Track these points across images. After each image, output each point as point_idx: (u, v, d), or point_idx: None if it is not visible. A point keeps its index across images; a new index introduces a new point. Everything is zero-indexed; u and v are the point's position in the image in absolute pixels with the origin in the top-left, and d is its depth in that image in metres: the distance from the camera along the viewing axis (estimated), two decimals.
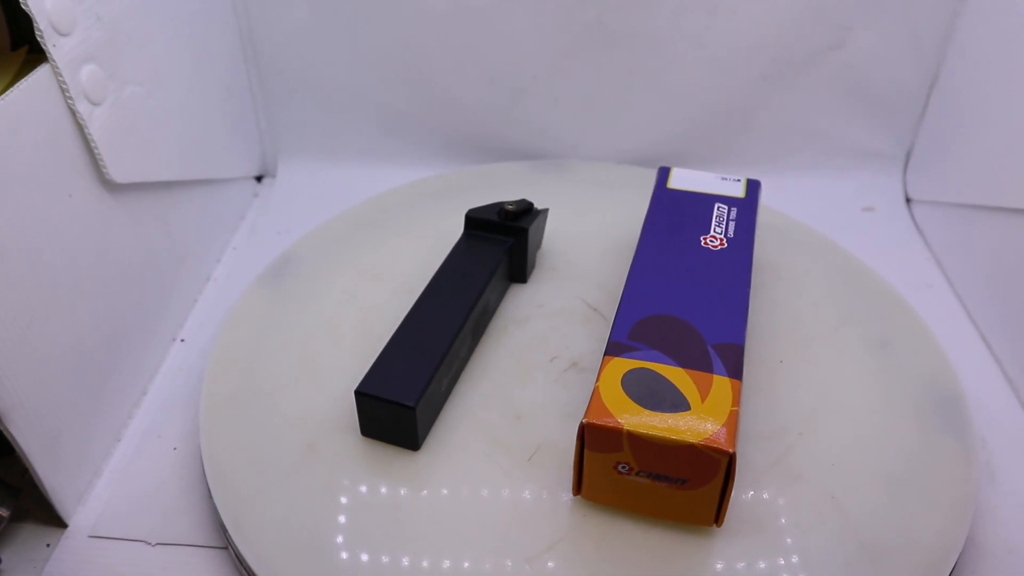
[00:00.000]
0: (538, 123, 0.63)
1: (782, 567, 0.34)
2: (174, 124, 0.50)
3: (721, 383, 0.35)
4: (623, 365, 0.35)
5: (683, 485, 0.34)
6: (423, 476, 0.38)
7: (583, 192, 0.58)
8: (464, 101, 0.63)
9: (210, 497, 0.38)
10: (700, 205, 0.46)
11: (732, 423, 0.33)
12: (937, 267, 0.57)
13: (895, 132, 0.63)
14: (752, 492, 0.37)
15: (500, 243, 0.47)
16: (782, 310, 0.47)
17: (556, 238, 0.52)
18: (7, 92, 0.35)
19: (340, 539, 0.36)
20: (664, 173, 0.49)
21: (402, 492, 0.37)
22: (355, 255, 0.51)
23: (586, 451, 0.34)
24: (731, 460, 0.32)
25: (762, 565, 0.35)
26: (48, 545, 0.39)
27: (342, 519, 0.36)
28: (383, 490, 0.37)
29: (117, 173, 0.43)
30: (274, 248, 0.54)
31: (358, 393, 0.37)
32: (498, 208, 0.47)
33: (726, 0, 0.57)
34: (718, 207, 0.46)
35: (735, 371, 0.35)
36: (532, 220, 0.47)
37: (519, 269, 0.48)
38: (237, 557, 0.36)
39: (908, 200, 0.63)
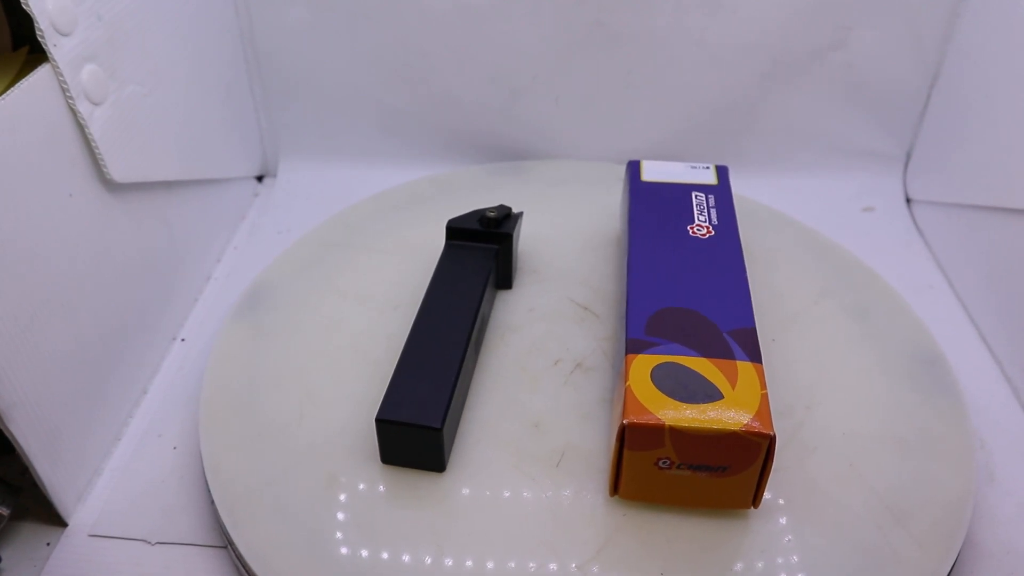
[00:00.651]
0: (538, 123, 0.63)
1: (822, 536, 0.36)
2: (174, 124, 0.50)
3: (745, 368, 0.36)
4: (648, 361, 0.36)
5: (724, 472, 0.34)
6: (454, 495, 0.37)
7: (545, 192, 0.58)
8: (464, 101, 0.63)
9: (210, 496, 0.38)
10: (678, 195, 0.47)
11: (765, 406, 0.34)
12: (937, 268, 0.57)
13: (895, 132, 0.63)
14: (776, 470, 0.38)
15: (485, 251, 0.46)
16: (763, 290, 0.48)
17: (529, 240, 0.52)
18: (8, 92, 0.35)
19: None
20: (635, 166, 0.49)
21: (434, 513, 0.37)
22: (329, 278, 0.50)
23: (626, 451, 0.34)
24: (771, 443, 0.33)
25: (804, 538, 0.36)
26: (48, 544, 0.39)
27: (354, 527, 0.36)
28: (414, 513, 0.36)
29: (117, 173, 0.43)
30: (275, 248, 0.54)
31: (379, 421, 0.36)
32: (479, 216, 0.47)
33: (726, 0, 0.57)
34: (696, 196, 0.47)
35: (755, 355, 0.36)
36: (514, 225, 0.47)
37: (505, 275, 0.48)
38: (236, 556, 0.36)
39: (908, 200, 0.63)
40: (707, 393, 0.34)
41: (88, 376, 0.42)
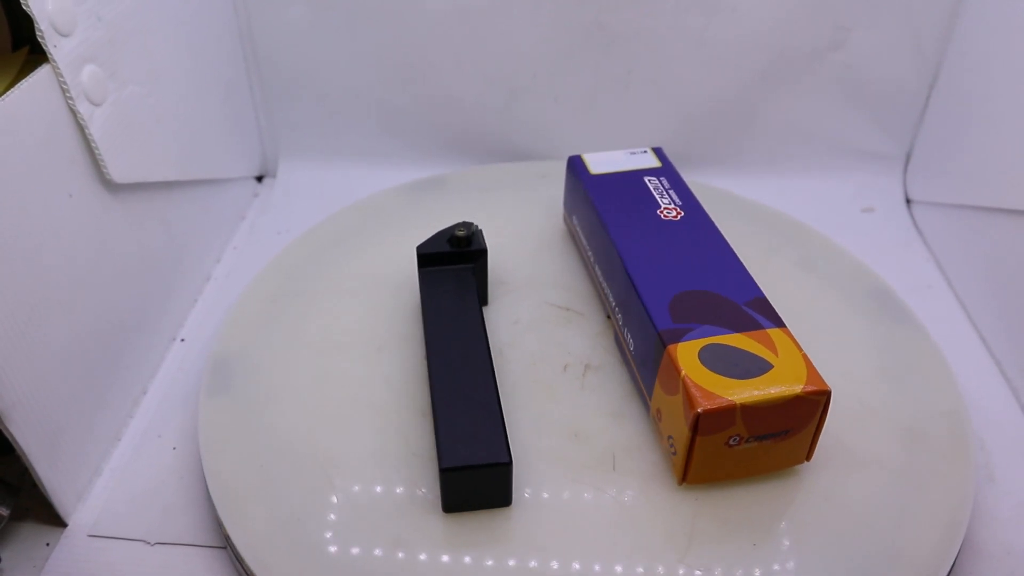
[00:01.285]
0: (537, 123, 0.63)
1: (867, 471, 0.38)
2: (174, 124, 0.50)
3: (777, 335, 0.37)
4: (690, 348, 0.36)
5: (786, 436, 0.36)
6: (528, 526, 0.36)
7: (474, 202, 0.56)
8: (464, 100, 0.63)
9: (209, 497, 0.38)
10: (633, 183, 0.47)
11: (811, 365, 0.36)
12: (937, 268, 0.57)
13: (895, 133, 0.63)
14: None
15: (462, 271, 0.45)
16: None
17: None
18: (8, 92, 0.35)
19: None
20: (578, 161, 0.49)
21: (512, 544, 0.36)
22: (294, 334, 0.46)
23: (699, 438, 0.35)
24: (828, 398, 0.35)
25: (855, 477, 0.38)
26: (48, 544, 0.39)
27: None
28: (484, 545, 0.36)
29: (117, 173, 0.43)
30: (273, 248, 0.54)
31: (446, 471, 0.35)
32: (448, 236, 0.45)
33: (725, 0, 0.57)
34: (649, 180, 0.47)
35: (778, 320, 0.38)
36: (483, 240, 0.46)
37: (482, 292, 0.47)
38: (236, 557, 0.36)
39: (908, 201, 0.63)
40: (758, 366, 0.35)
41: (87, 376, 0.42)
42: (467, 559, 0.35)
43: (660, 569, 0.35)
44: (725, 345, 0.36)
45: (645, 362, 0.39)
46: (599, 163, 0.49)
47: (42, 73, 0.37)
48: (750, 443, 0.36)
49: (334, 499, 0.37)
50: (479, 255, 0.45)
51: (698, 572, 0.34)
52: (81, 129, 0.40)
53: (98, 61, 0.41)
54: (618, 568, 0.35)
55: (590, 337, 0.45)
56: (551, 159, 0.63)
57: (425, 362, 0.43)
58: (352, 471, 0.38)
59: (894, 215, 0.62)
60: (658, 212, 0.45)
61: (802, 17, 0.58)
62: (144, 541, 0.39)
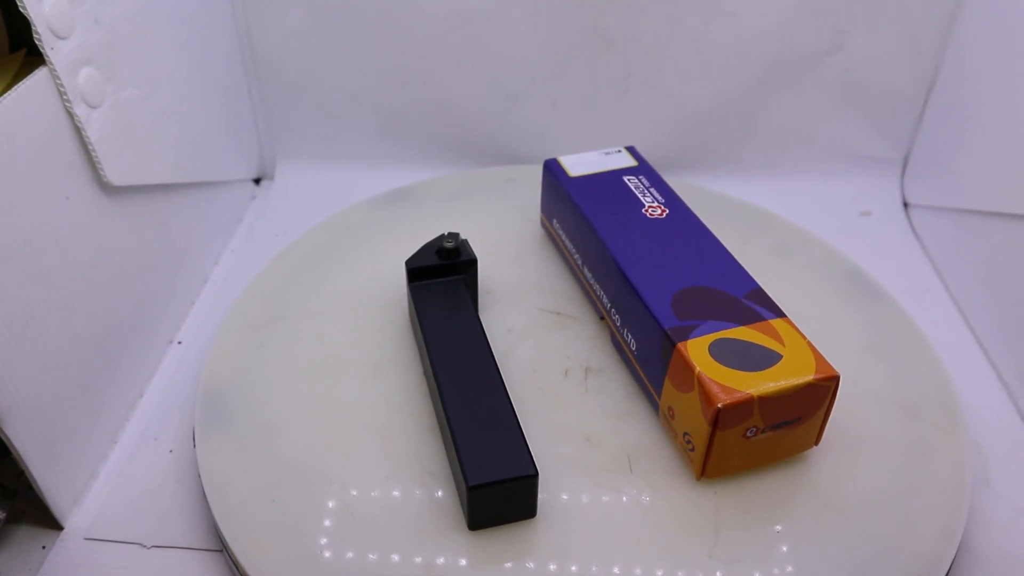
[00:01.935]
0: (536, 126, 0.63)
1: (871, 451, 0.39)
2: (172, 127, 0.50)
3: (780, 325, 0.38)
4: (700, 344, 0.37)
5: (798, 423, 0.37)
6: (556, 535, 0.36)
7: (445, 210, 0.56)
8: (462, 104, 0.63)
9: (205, 500, 0.38)
10: (613, 183, 0.47)
11: (817, 352, 0.37)
12: (934, 272, 0.57)
13: (892, 136, 0.63)
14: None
15: (453, 283, 0.44)
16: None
17: None
18: (5, 95, 0.35)
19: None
20: (555, 164, 0.49)
21: (540, 553, 0.36)
22: (283, 362, 0.44)
23: (718, 432, 0.35)
24: (837, 382, 0.36)
25: (862, 456, 0.39)
26: (44, 547, 0.39)
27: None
28: (522, 565, 0.35)
29: (114, 175, 0.43)
30: (271, 250, 0.54)
31: (473, 488, 0.34)
32: (435, 249, 0.44)
33: (723, 4, 0.57)
34: (628, 179, 0.48)
35: (778, 311, 0.39)
36: (471, 250, 0.45)
37: (473, 302, 0.46)
38: (232, 560, 0.36)
39: (905, 204, 0.63)
40: (767, 357, 0.36)
41: (84, 379, 0.42)
42: (499, 574, 0.35)
43: (694, 564, 0.35)
44: (733, 339, 0.37)
45: (650, 361, 0.40)
46: (576, 165, 0.49)
47: (39, 76, 0.37)
48: (765, 433, 0.36)
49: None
50: (469, 265, 0.45)
51: (729, 562, 0.35)
52: (78, 132, 0.40)
53: (95, 64, 0.41)
54: (656, 569, 0.35)
55: (585, 340, 0.45)
56: (519, 163, 0.62)
57: (424, 378, 0.43)
58: (364, 493, 0.38)
59: (891, 219, 0.62)
60: (643, 211, 0.45)
61: (800, 21, 0.58)
62: (140, 544, 0.39)
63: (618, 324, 0.43)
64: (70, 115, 0.39)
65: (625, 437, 0.40)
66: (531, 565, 0.35)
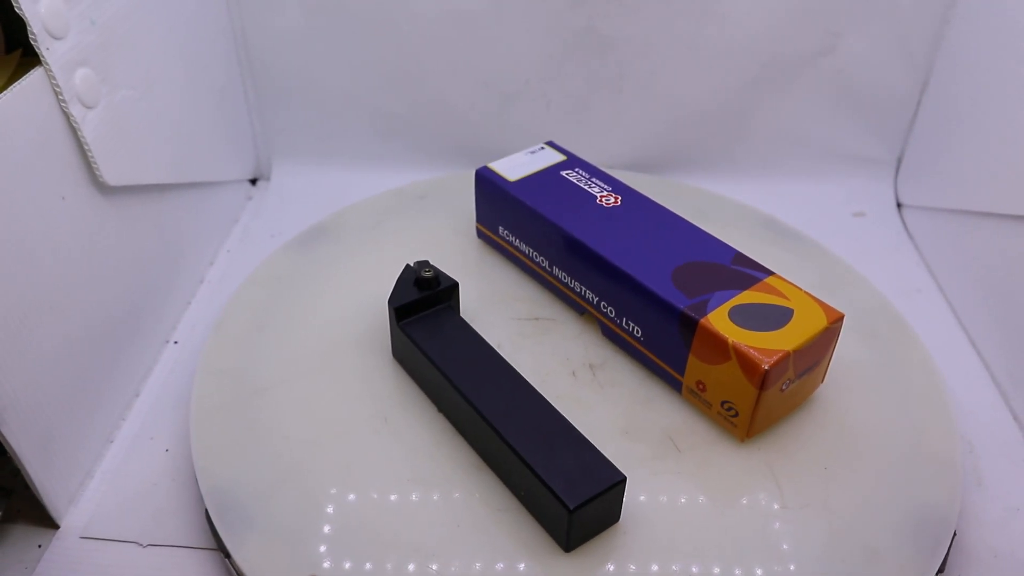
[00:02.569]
0: (530, 127, 0.63)
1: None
2: (167, 127, 0.50)
3: (775, 281, 0.41)
4: (720, 316, 0.38)
5: (815, 367, 0.40)
6: (643, 531, 0.36)
7: (370, 240, 0.53)
8: (457, 105, 0.63)
9: (201, 499, 0.38)
10: (554, 181, 0.48)
11: (816, 298, 0.40)
12: (927, 272, 0.57)
13: (886, 137, 0.63)
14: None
15: (443, 311, 0.43)
16: None
17: None
18: (1, 95, 0.35)
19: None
20: (489, 172, 0.49)
21: (630, 549, 0.36)
22: (279, 436, 0.41)
23: (763, 393, 0.37)
24: (843, 320, 0.39)
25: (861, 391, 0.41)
26: (39, 546, 0.39)
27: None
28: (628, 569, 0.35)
29: (110, 176, 0.43)
30: (267, 250, 0.54)
31: (575, 510, 0.33)
32: (413, 281, 0.42)
33: (716, 5, 0.57)
34: (566, 174, 0.48)
35: (765, 269, 0.41)
36: (447, 275, 0.44)
37: None
38: (227, 559, 0.36)
39: (899, 205, 0.63)
40: (781, 313, 0.39)
41: (80, 378, 0.42)
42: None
43: (772, 518, 0.37)
44: (745, 304, 0.39)
45: (663, 343, 0.41)
46: (511, 169, 0.49)
47: (35, 76, 0.37)
48: (794, 383, 0.39)
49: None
50: (452, 291, 0.43)
51: (800, 507, 0.37)
52: (74, 132, 0.40)
53: (91, 64, 0.41)
54: (744, 530, 0.36)
55: (575, 339, 0.45)
56: (425, 179, 0.60)
57: (442, 415, 0.41)
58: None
59: (885, 219, 0.62)
60: (598, 202, 0.46)
61: (793, 23, 0.58)
62: (136, 543, 0.39)
63: (611, 316, 0.43)
64: (66, 115, 0.39)
65: (657, 422, 0.41)
66: (634, 562, 0.35)
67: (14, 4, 0.36)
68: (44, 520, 0.40)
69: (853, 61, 0.59)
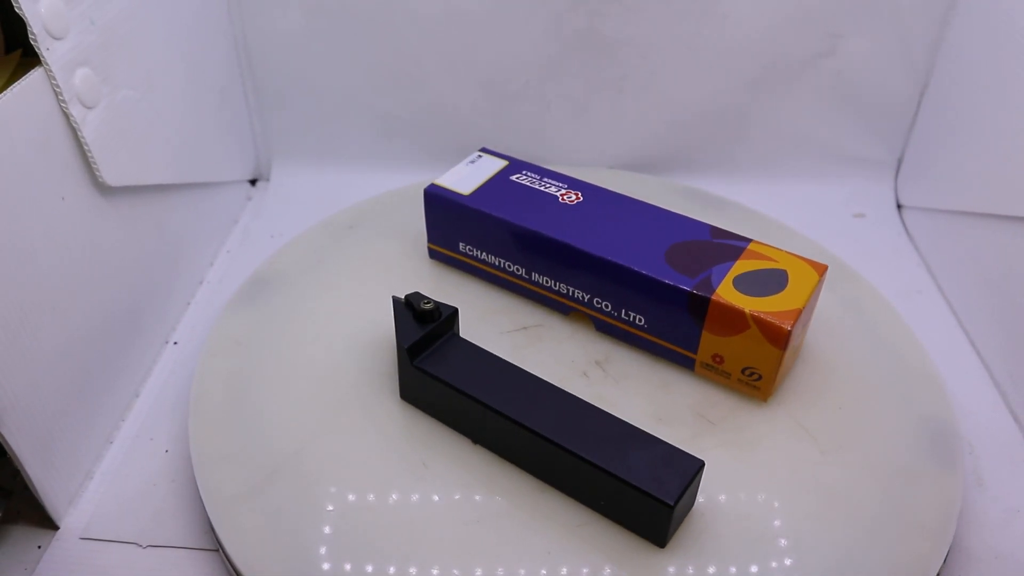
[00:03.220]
0: (530, 128, 0.63)
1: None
2: (167, 128, 0.50)
3: (757, 246, 0.43)
4: (726, 289, 0.40)
5: (808, 320, 0.42)
6: (713, 510, 0.37)
7: (318, 282, 0.50)
8: (457, 105, 0.63)
9: (201, 500, 0.38)
10: (507, 187, 0.48)
11: (797, 255, 0.42)
12: (927, 273, 0.57)
13: (886, 139, 0.63)
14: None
15: (452, 339, 0.42)
16: None
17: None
18: (1, 96, 0.35)
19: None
20: (438, 188, 0.48)
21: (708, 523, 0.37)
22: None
23: (784, 352, 0.39)
24: (826, 272, 0.42)
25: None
26: (39, 547, 0.39)
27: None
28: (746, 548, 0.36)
29: (110, 176, 0.43)
30: (267, 251, 0.54)
31: (674, 505, 0.34)
32: (415, 316, 0.41)
33: (717, 7, 0.57)
34: (516, 179, 0.48)
35: (743, 238, 0.43)
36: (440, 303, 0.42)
37: None
38: (227, 559, 0.36)
39: (899, 206, 0.63)
40: (776, 275, 0.41)
41: (80, 379, 0.42)
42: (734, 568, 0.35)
43: (817, 469, 0.39)
44: (742, 274, 0.41)
45: (671, 326, 0.42)
46: (458, 182, 0.48)
47: (35, 76, 0.37)
48: (796, 338, 0.41)
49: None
50: (454, 318, 0.42)
51: (837, 451, 0.40)
52: (74, 132, 0.40)
53: (91, 65, 0.41)
54: (805, 487, 0.38)
55: (571, 339, 0.45)
56: (352, 204, 0.57)
57: (479, 446, 0.40)
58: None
59: (885, 220, 0.62)
60: (561, 201, 0.46)
61: (794, 24, 0.58)
62: (136, 544, 0.39)
63: (607, 310, 0.44)
64: (66, 116, 0.39)
65: (681, 402, 0.42)
66: (727, 539, 0.36)
67: (14, 4, 0.36)
68: (44, 521, 0.40)
69: (853, 62, 0.59)
